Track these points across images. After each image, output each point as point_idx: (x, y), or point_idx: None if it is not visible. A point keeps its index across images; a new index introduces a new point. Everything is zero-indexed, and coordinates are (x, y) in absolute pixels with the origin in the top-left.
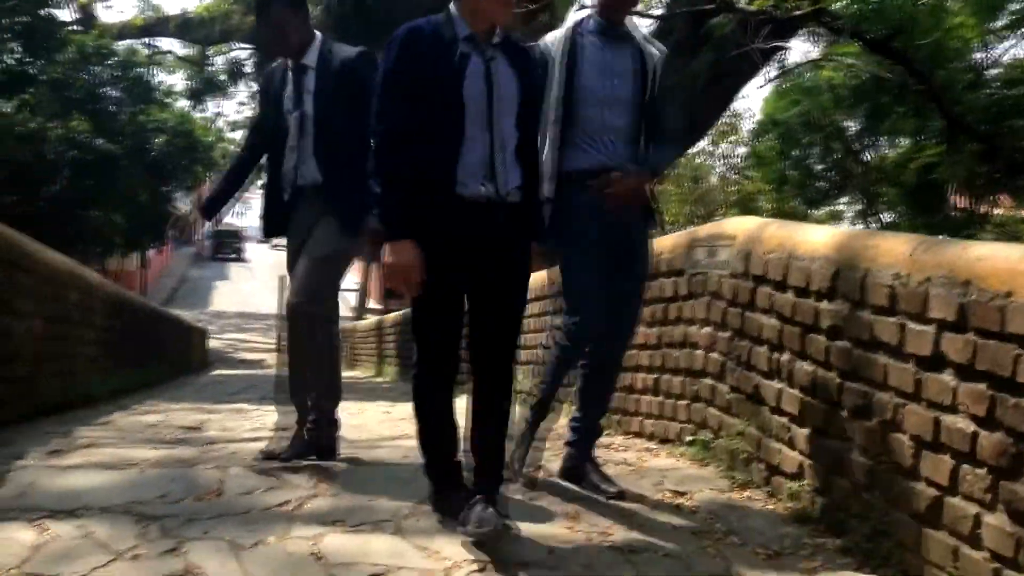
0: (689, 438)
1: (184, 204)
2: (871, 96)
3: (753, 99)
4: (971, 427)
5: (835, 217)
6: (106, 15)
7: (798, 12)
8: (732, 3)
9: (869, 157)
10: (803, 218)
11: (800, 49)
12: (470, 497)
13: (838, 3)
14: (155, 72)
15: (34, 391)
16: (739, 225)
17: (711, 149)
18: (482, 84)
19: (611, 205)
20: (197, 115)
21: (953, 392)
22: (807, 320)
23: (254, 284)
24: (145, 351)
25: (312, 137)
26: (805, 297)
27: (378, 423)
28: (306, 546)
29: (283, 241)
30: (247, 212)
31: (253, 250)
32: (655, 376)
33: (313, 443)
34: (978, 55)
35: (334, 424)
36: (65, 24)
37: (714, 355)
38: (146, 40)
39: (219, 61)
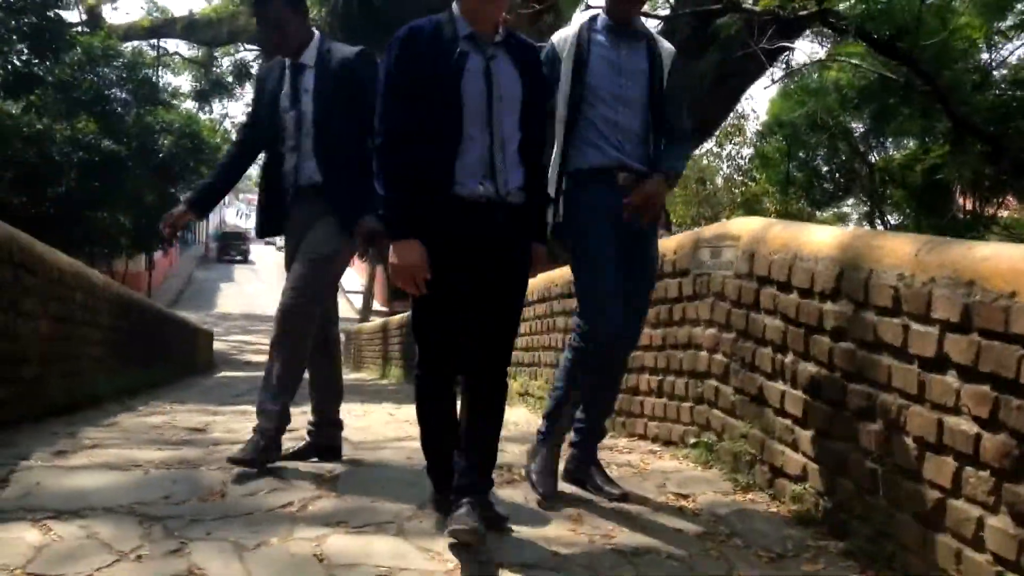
0: (693, 440)
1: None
2: (877, 97)
3: (759, 100)
4: (974, 429)
5: (841, 219)
6: (113, 16)
7: (803, 12)
8: (738, 3)
9: (875, 158)
10: (809, 220)
11: (806, 50)
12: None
13: (843, 3)
14: (162, 73)
15: (40, 392)
16: (743, 226)
17: (717, 150)
18: (481, 83)
19: (631, 212)
20: (204, 116)
21: (956, 393)
22: (811, 321)
23: (259, 286)
24: (151, 352)
25: (311, 137)
26: (809, 298)
27: (383, 425)
28: (309, 547)
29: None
30: (252, 214)
31: (258, 252)
32: (659, 378)
33: (315, 444)
34: (985, 56)
35: (337, 425)
36: (72, 25)
37: (718, 356)
38: (153, 41)
39: (226, 62)
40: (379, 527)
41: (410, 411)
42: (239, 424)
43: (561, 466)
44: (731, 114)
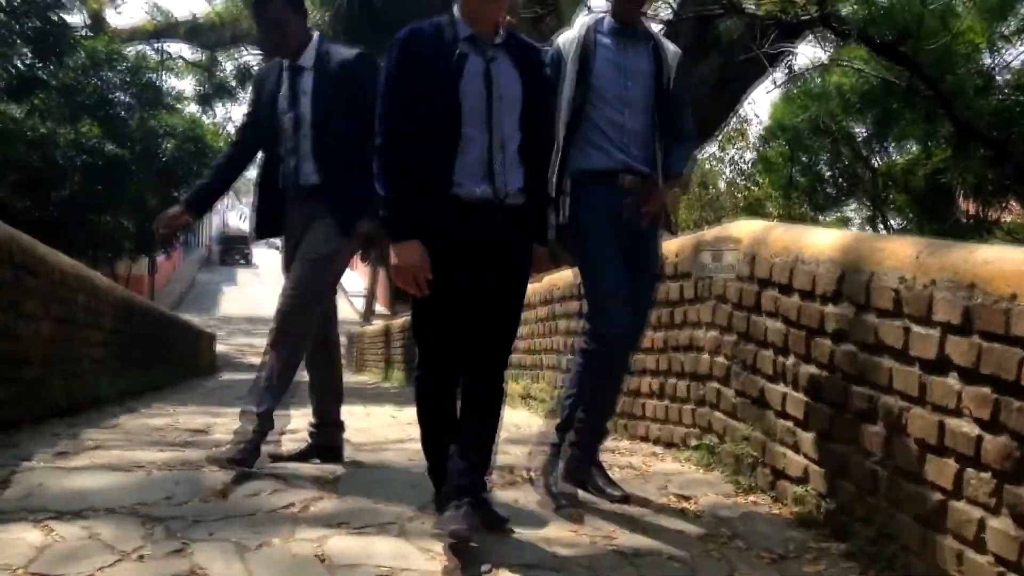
0: (694, 442)
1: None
2: (880, 101)
3: (761, 104)
4: (975, 431)
5: (843, 223)
6: (116, 20)
7: (805, 16)
8: (739, 7)
9: (878, 163)
10: (812, 224)
11: (808, 54)
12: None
13: (845, 7)
14: (165, 77)
15: (41, 393)
16: (745, 228)
17: (719, 154)
18: (481, 84)
19: (636, 214)
20: (207, 120)
21: (958, 395)
22: (812, 323)
23: (262, 289)
24: (153, 355)
25: (309, 138)
26: (810, 300)
27: (384, 426)
28: (310, 548)
29: None
30: None
31: (261, 255)
32: (661, 380)
33: (317, 446)
34: (987, 60)
35: (338, 426)
36: (75, 29)
37: (719, 359)
38: (156, 45)
39: (229, 66)
40: (381, 528)
41: (412, 413)
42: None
43: (560, 467)
44: (733, 118)
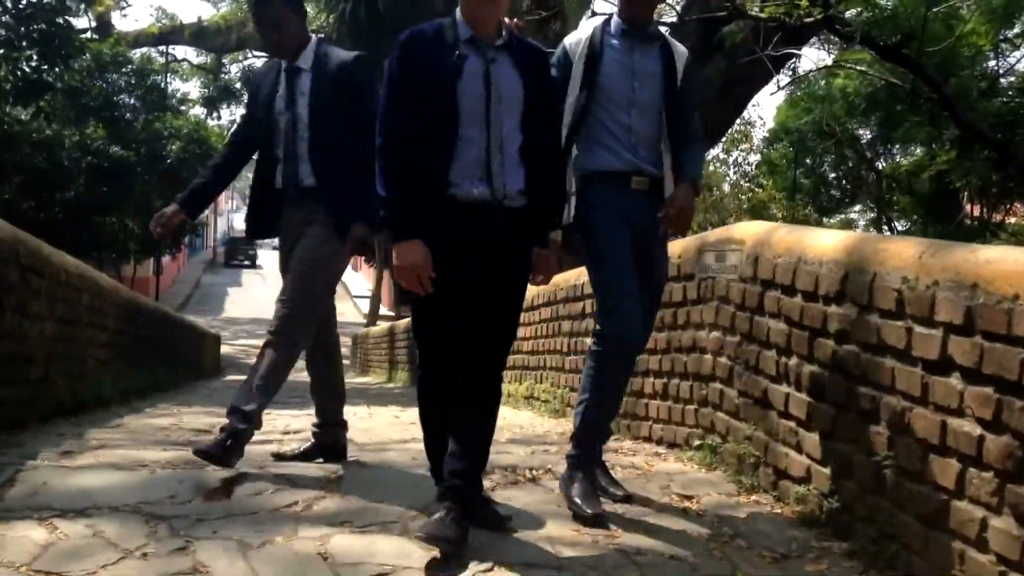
0: (697, 442)
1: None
2: (884, 104)
3: (766, 107)
4: (977, 430)
5: (847, 225)
6: (122, 23)
7: (809, 19)
8: (744, 10)
9: (882, 165)
10: (816, 226)
11: (813, 57)
12: (479, 500)
13: (849, 11)
14: (170, 80)
15: (46, 393)
16: (748, 229)
17: (724, 156)
18: (479, 85)
19: (667, 225)
20: (212, 122)
21: (960, 395)
22: (815, 324)
23: (267, 291)
24: (158, 355)
25: (306, 140)
26: (813, 301)
27: (388, 426)
28: (313, 546)
29: None
30: None
31: (266, 257)
32: (664, 381)
33: (320, 445)
34: (992, 63)
35: (341, 426)
36: (81, 32)
37: (722, 359)
38: (161, 48)
39: (234, 69)
40: (383, 527)
41: (415, 413)
42: None
43: (564, 467)
44: (738, 121)
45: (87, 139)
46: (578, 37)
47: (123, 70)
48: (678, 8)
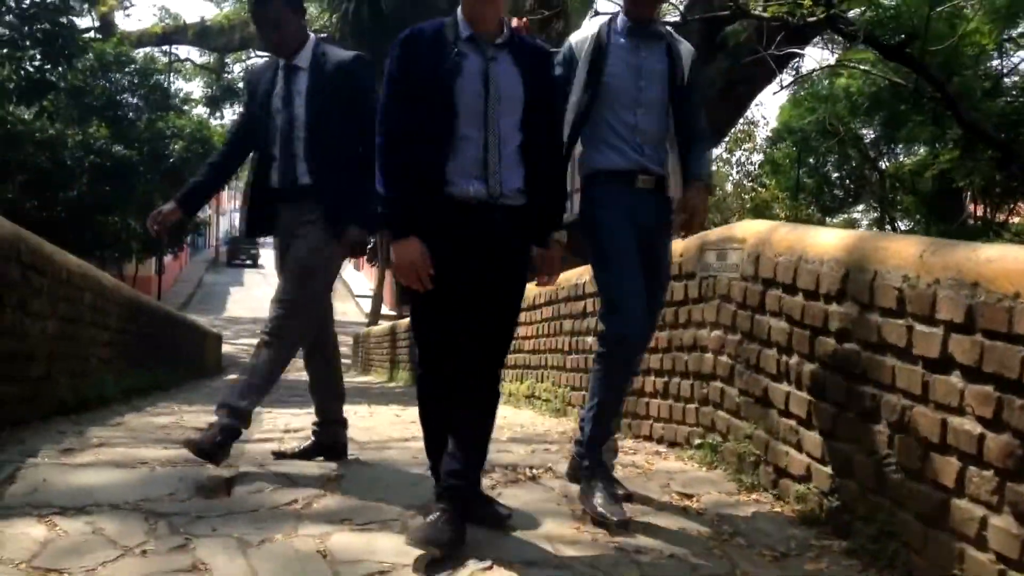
0: (697, 441)
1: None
2: (887, 103)
3: (769, 106)
4: (978, 429)
5: (851, 225)
6: (125, 23)
7: (812, 18)
8: (747, 9)
9: (885, 165)
10: (819, 226)
11: (816, 56)
12: (479, 498)
13: (852, 11)
14: (173, 79)
15: (48, 391)
16: (749, 228)
17: (727, 156)
18: (478, 83)
19: (680, 227)
20: (215, 122)
21: (960, 394)
22: (816, 323)
23: (269, 290)
24: (159, 354)
25: (302, 139)
26: (814, 300)
27: (388, 425)
28: (313, 544)
29: None
30: None
31: (268, 256)
32: (664, 380)
33: (320, 443)
34: (996, 63)
35: (341, 424)
36: (85, 31)
37: (723, 358)
38: (165, 47)
39: (237, 68)
40: (383, 525)
41: (416, 412)
42: None
43: (565, 465)
44: (741, 120)
45: (90, 138)
46: (584, 35)
47: (126, 70)
48: (681, 7)
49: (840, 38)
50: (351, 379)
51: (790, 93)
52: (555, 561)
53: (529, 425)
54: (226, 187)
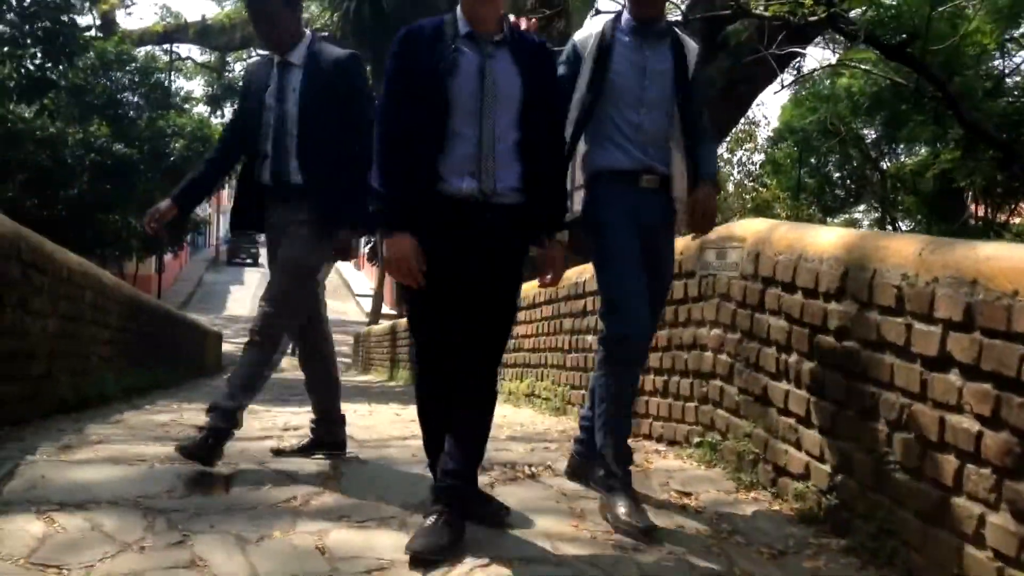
0: (697, 440)
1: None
2: (889, 103)
3: (771, 106)
4: (976, 427)
5: (852, 224)
6: (126, 21)
7: (813, 18)
8: (748, 9)
9: (887, 165)
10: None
11: (817, 56)
12: (478, 496)
13: (853, 11)
14: (174, 78)
15: (48, 389)
16: (749, 227)
17: (728, 156)
18: (474, 80)
19: (692, 228)
20: (215, 121)
21: (959, 392)
22: (815, 321)
23: None
24: (160, 353)
25: (294, 136)
26: (814, 298)
27: (388, 423)
28: (311, 540)
29: None
30: None
31: None
32: (664, 378)
33: (318, 440)
34: (997, 63)
35: (339, 421)
36: (86, 30)
37: (723, 357)
38: (166, 46)
39: (238, 67)
40: (382, 521)
41: (416, 411)
42: (245, 423)
43: (564, 464)
44: (742, 120)
45: (91, 137)
46: (588, 34)
47: (127, 68)
48: (682, 7)
49: (841, 38)
50: (352, 378)
51: (791, 93)
52: (554, 559)
53: (529, 424)
54: (226, 185)
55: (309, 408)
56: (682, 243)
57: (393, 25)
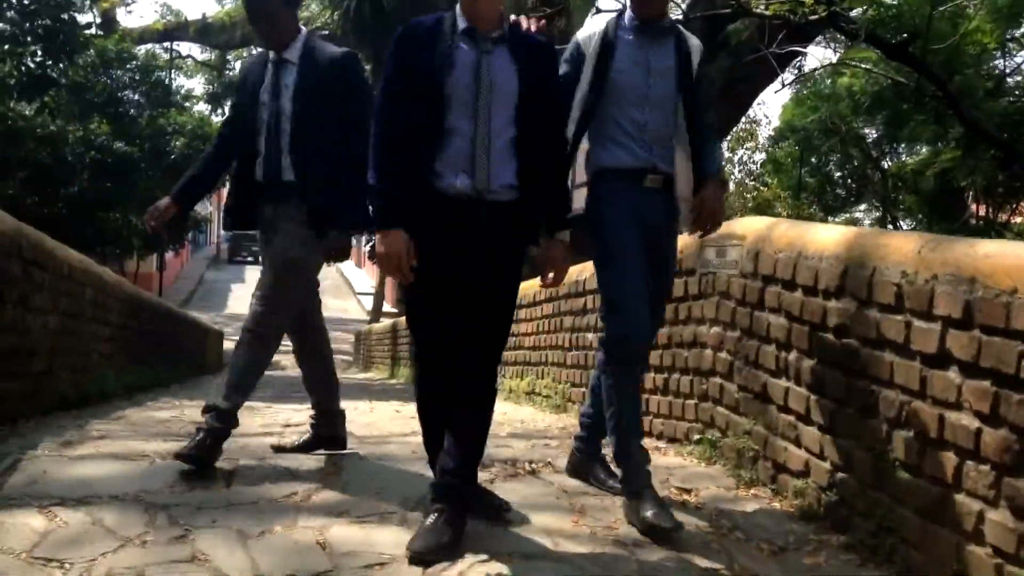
0: (697, 437)
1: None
2: (890, 102)
3: (771, 105)
4: (975, 424)
5: (852, 224)
6: (127, 19)
7: (814, 17)
8: (749, 8)
9: (888, 164)
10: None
11: (818, 55)
12: (477, 492)
13: (854, 10)
14: (174, 76)
15: (49, 386)
16: (749, 225)
17: (728, 155)
18: (470, 77)
19: (700, 226)
20: (216, 119)
21: (958, 389)
22: (815, 319)
23: None
24: (161, 351)
25: (288, 134)
26: (813, 296)
27: (389, 420)
28: (312, 536)
29: None
30: None
31: None
32: (664, 376)
33: (319, 436)
34: (998, 62)
35: (340, 417)
36: (86, 28)
37: (722, 354)
38: (166, 44)
39: (238, 65)
40: (382, 517)
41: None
42: (246, 419)
43: (564, 461)
44: (743, 119)
45: (91, 135)
46: (591, 32)
47: (127, 66)
48: (683, 6)
49: (842, 37)
50: (353, 376)
51: (792, 92)
52: (554, 555)
53: (529, 421)
54: (226, 183)
55: (310, 405)
56: (682, 241)
57: (393, 24)
